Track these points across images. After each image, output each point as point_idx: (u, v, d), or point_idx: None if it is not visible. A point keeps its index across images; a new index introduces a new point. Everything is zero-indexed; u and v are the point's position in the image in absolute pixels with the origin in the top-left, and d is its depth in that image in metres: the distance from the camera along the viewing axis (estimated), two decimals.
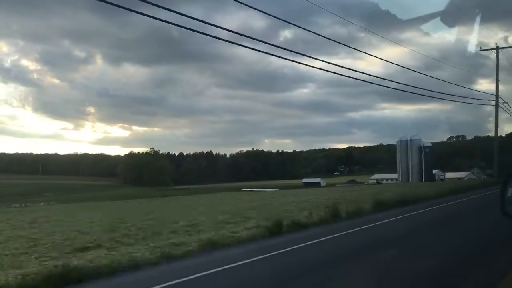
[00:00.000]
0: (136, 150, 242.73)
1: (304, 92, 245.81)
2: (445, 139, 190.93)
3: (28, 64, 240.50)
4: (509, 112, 45.42)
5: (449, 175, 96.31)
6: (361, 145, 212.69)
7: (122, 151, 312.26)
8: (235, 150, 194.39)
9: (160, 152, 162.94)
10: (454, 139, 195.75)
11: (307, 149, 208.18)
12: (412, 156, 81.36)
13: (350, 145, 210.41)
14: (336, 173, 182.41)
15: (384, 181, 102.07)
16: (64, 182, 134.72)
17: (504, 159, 42.46)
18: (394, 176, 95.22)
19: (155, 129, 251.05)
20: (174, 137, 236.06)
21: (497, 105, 43.37)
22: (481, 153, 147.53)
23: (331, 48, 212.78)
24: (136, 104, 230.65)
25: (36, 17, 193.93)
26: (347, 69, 20.38)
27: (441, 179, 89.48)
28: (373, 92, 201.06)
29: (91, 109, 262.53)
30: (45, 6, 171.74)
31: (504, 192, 3.13)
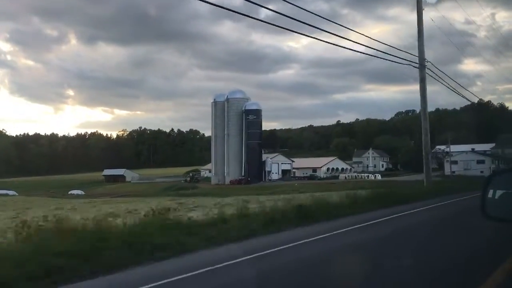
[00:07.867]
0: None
1: (289, 73, 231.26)
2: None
3: None
4: None
5: (301, 163, 57.12)
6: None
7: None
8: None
9: (6, 133, 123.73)
10: (403, 114, 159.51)
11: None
12: (229, 129, 42.31)
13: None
14: None
15: (202, 173, 64.27)
16: None
17: None
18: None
19: (138, 112, 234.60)
20: (158, 120, 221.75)
21: None
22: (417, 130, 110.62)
23: (316, 25, 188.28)
24: (116, 87, 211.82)
25: None
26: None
27: (290, 175, 51.16)
28: (358, 73, 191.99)
29: (70, 92, 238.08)
30: None
31: (485, 193, 2.99)
